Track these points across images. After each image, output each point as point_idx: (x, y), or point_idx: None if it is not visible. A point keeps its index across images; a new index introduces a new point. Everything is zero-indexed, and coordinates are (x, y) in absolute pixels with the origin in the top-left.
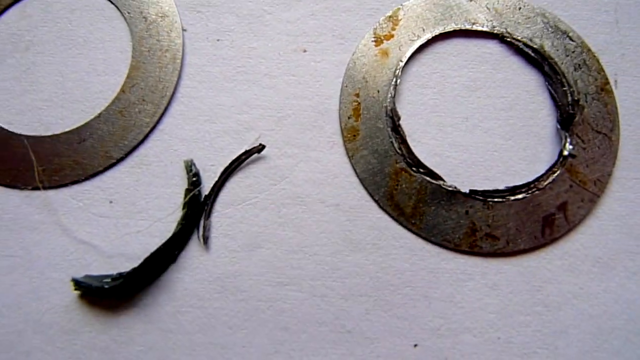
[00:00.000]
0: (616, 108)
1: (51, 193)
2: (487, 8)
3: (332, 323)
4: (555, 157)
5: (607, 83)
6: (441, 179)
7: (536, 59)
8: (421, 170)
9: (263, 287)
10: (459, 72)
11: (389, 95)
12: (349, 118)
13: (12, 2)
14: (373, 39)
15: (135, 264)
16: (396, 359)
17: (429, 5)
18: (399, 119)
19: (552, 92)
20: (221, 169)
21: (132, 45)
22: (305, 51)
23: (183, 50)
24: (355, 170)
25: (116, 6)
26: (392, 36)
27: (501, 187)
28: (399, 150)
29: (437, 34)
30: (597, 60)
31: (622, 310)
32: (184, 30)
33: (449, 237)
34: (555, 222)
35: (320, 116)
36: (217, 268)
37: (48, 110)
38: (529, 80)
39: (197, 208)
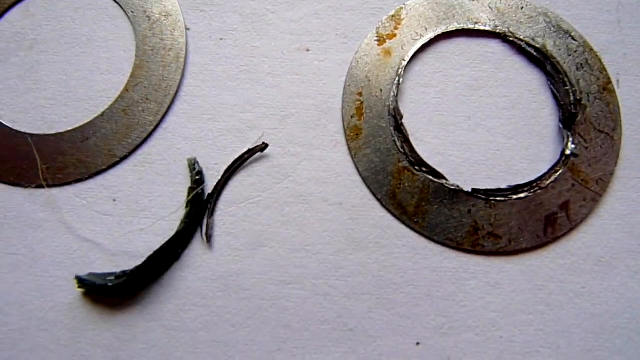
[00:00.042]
0: (618, 107)
1: (55, 191)
2: (490, 7)
3: (334, 321)
4: (558, 157)
5: (609, 82)
6: (444, 177)
7: (538, 59)
8: (424, 169)
9: (266, 285)
10: (462, 72)
11: (392, 94)
12: (351, 117)
13: (16, 1)
14: (376, 38)
15: (139, 262)
16: (399, 357)
17: (431, 4)
18: (401, 117)
19: (555, 91)
20: (224, 167)
21: (136, 44)
22: (308, 50)
23: (186, 49)
24: (358, 169)
25: (120, 5)
26: (395, 35)
27: (503, 186)
28: (401, 149)
29: (439, 33)
30: (599, 60)
31: (624, 309)
32: (187, 29)
33: (451, 236)
34: (558, 221)
35: (323, 115)
36: (220, 266)
37: (52, 108)
38: (531, 80)
39: (201, 206)
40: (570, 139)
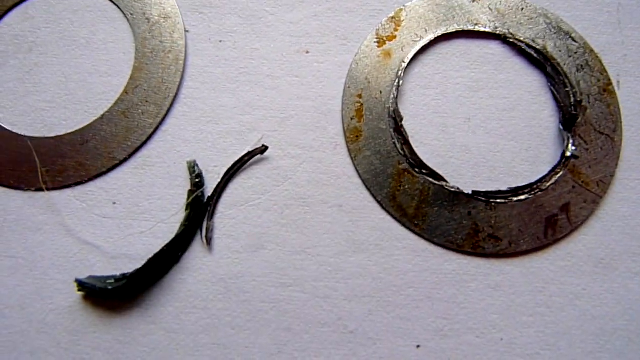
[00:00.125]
0: (619, 109)
1: (55, 194)
2: (490, 9)
3: (335, 324)
4: (558, 158)
5: (610, 84)
6: (444, 180)
7: (539, 60)
8: (424, 171)
9: (266, 288)
10: (462, 73)
11: (392, 96)
12: (351, 119)
13: (15, 4)
14: (375, 40)
15: (139, 265)
16: (399, 359)
17: (431, 6)
18: (401, 119)
19: (555, 93)
20: (224, 170)
21: (135, 46)
22: (308, 52)
23: (186, 51)
24: (358, 171)
25: (119, 7)
26: (395, 37)
27: (504, 188)
28: (401, 151)
29: (439, 34)
30: (600, 61)
31: (624, 311)
32: (186, 31)
33: (451, 238)
34: (558, 223)
35: (323, 117)
36: (220, 269)
37: (51, 111)
38: (532, 81)
39: (200, 209)
40: (571, 141)
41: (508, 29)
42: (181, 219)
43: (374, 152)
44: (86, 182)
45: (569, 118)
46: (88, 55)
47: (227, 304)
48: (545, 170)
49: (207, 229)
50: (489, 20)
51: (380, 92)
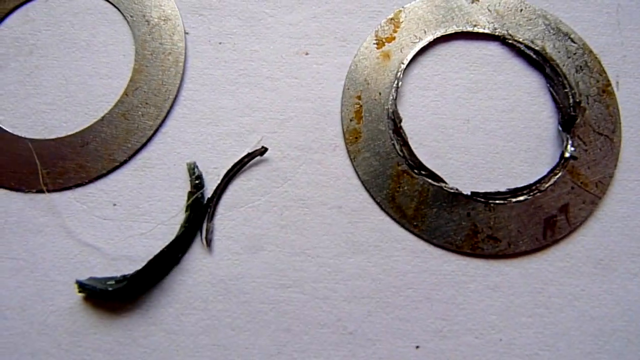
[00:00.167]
0: (618, 110)
1: (55, 196)
2: (489, 10)
3: (334, 325)
4: (557, 159)
5: (609, 85)
6: (443, 181)
7: (537, 61)
8: (423, 172)
9: (266, 289)
10: (461, 74)
11: (391, 97)
12: (350, 120)
13: (16, 6)
14: (375, 42)
15: (139, 267)
16: None
17: (430, 7)
18: (400, 121)
19: (554, 94)
20: (224, 171)
21: (135, 48)
22: (307, 54)
23: (185, 53)
24: (357, 172)
25: (119, 9)
26: (394, 38)
27: (503, 189)
28: (400, 153)
29: (438, 36)
30: (599, 62)
31: (623, 311)
32: (186, 33)
33: (450, 239)
34: (557, 224)
35: (322, 119)
36: (220, 270)
37: (52, 113)
38: (531, 82)
39: (200, 211)
40: (570, 142)
41: (507, 30)
42: (181, 221)
43: (373, 154)
44: (86, 183)
45: (568, 119)
46: (88, 57)
47: (227, 305)
48: (544, 171)
49: (207, 231)
50: (488, 22)
51: (380, 94)
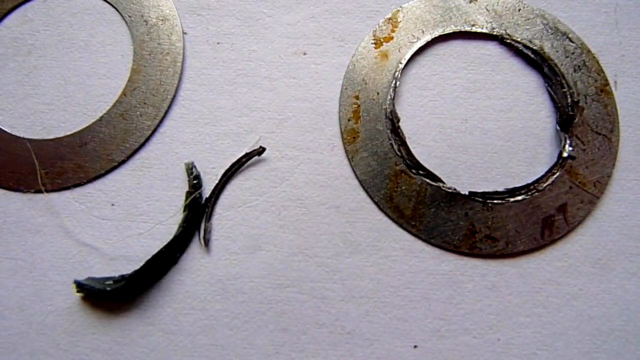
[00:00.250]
0: (616, 109)
1: (54, 196)
2: (487, 10)
3: (332, 325)
4: (555, 159)
5: (607, 84)
6: (441, 180)
7: (536, 61)
8: (421, 172)
9: (263, 289)
10: (459, 74)
11: (389, 97)
12: (348, 120)
13: (14, 6)
14: (373, 41)
15: (137, 266)
16: None
17: (428, 7)
18: (398, 120)
19: (552, 93)
20: (222, 171)
21: (133, 48)
22: (305, 54)
23: (184, 53)
24: (355, 172)
25: (117, 10)
26: (392, 38)
27: (501, 188)
28: (398, 152)
29: (436, 35)
30: (597, 62)
31: (621, 311)
32: (184, 33)
33: (448, 239)
34: (555, 223)
35: (320, 118)
36: (218, 270)
37: (50, 113)
38: (529, 82)
39: (198, 210)
40: (568, 141)
41: (505, 30)
42: (179, 221)
43: (371, 153)
44: (85, 183)
45: (566, 118)
46: (86, 57)
47: (225, 305)
48: (542, 170)
49: (205, 230)
50: (486, 21)
51: (377, 93)
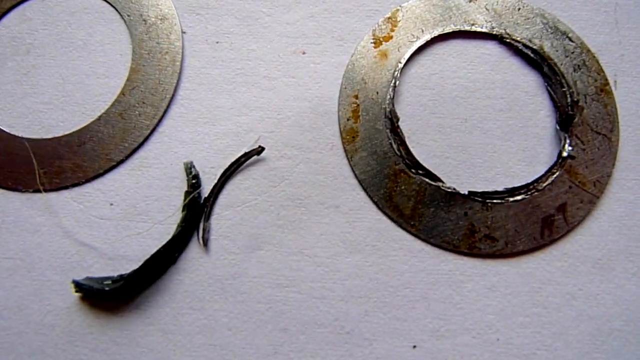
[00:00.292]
0: (616, 109)
1: (52, 195)
2: (486, 9)
3: (331, 324)
4: (555, 158)
5: (607, 84)
6: (440, 180)
7: (535, 60)
8: (420, 171)
9: (262, 288)
10: (458, 73)
11: (388, 96)
12: (348, 120)
13: (13, 6)
14: (372, 41)
15: (136, 266)
16: None
17: (427, 6)
18: (398, 120)
19: (552, 93)
20: (221, 171)
21: (132, 47)
22: (304, 53)
23: (182, 52)
24: (354, 171)
25: (116, 9)
26: (391, 37)
27: (500, 188)
28: (397, 152)
29: (436, 35)
30: (597, 61)
31: (621, 311)
32: (183, 32)
33: (448, 239)
34: (555, 223)
35: (320, 118)
36: (217, 270)
37: (49, 113)
38: (528, 81)
39: (197, 210)
40: (567, 141)
41: (505, 29)
42: (178, 220)
43: (370, 153)
44: (83, 183)
45: (566, 118)
46: (85, 56)
47: (224, 305)
48: (541, 170)
49: (204, 230)
50: (486, 21)
51: (377, 93)
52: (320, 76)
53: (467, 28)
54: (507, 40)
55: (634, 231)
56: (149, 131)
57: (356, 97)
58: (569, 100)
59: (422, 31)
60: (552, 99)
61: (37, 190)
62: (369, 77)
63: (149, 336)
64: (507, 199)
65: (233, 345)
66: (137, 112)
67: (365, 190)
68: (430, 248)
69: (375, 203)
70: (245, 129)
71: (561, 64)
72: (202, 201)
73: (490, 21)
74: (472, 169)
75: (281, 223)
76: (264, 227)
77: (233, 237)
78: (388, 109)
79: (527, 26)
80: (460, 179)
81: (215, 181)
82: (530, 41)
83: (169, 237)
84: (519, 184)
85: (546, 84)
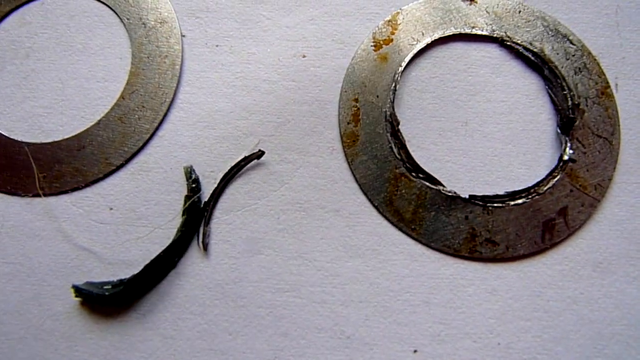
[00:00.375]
0: (617, 112)
1: (52, 200)
2: (487, 12)
3: (331, 329)
4: (556, 162)
5: (608, 87)
6: (440, 184)
7: (536, 63)
8: (420, 175)
9: (263, 293)
10: (459, 77)
11: (388, 100)
12: (348, 123)
13: (12, 9)
14: (372, 44)
15: (136, 271)
16: None
17: (428, 9)
18: (398, 123)
19: (552, 96)
20: (221, 175)
21: (132, 51)
22: (304, 56)
23: (182, 56)
24: (354, 175)
25: (115, 12)
26: (392, 41)
27: (501, 192)
28: (398, 156)
29: (436, 38)
30: (598, 64)
31: (622, 315)
32: (183, 36)
33: (448, 243)
34: (556, 227)
35: (320, 121)
36: (217, 274)
37: (48, 117)
38: (529, 84)
39: (197, 214)
40: (568, 144)
41: (505, 32)
42: (178, 225)
43: (370, 157)
44: (83, 187)
45: (567, 121)
46: (85, 60)
47: (224, 309)
48: (542, 174)
49: (204, 234)
50: (486, 23)
51: (377, 96)
52: (320, 79)
53: (468, 31)
54: (508, 43)
55: (635, 235)
56: (148, 135)
57: (356, 100)
58: (569, 103)
59: (423, 34)
60: (552, 102)
61: (37, 195)
62: (369, 80)
63: (149, 341)
64: (507, 202)
65: (233, 350)
66: (136, 116)
67: (365, 194)
68: (431, 252)
69: (375, 207)
70: (245, 132)
71: (562, 67)
72: (202, 205)
73: (490, 24)
74: (472, 173)
75: (281, 227)
76: (264, 231)
77: (233, 242)
78: (388, 113)
79: (528, 29)
80: (460, 182)
81: (216, 185)
82: (530, 44)
83: (169, 241)
84: (519, 188)
85: (547, 87)
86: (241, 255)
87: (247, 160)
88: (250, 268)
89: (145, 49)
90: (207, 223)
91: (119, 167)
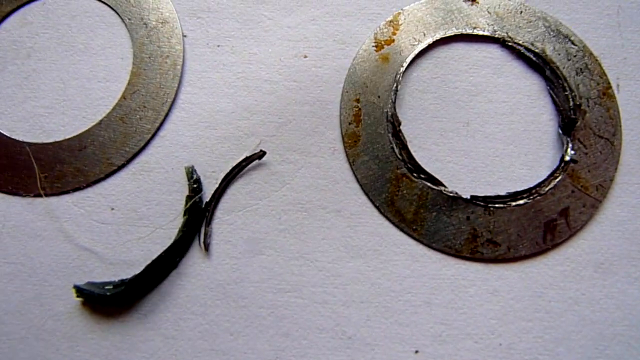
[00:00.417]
0: (618, 112)
1: (53, 200)
2: (488, 12)
3: (332, 329)
4: (557, 163)
5: (609, 87)
6: (442, 184)
7: (537, 64)
8: (422, 175)
9: (264, 293)
10: (460, 77)
11: (390, 100)
12: (349, 124)
13: (13, 9)
14: (374, 44)
15: (137, 271)
16: None
17: (429, 9)
18: (399, 124)
19: (554, 96)
20: (222, 175)
21: (133, 51)
22: (305, 57)
23: (183, 56)
24: (356, 176)
25: (117, 12)
26: (393, 41)
27: (502, 192)
28: (399, 156)
29: (437, 38)
30: (599, 64)
31: (624, 316)
32: (184, 36)
33: (450, 243)
34: (557, 227)
35: (321, 122)
36: (219, 274)
37: (49, 117)
38: (531, 85)
39: (198, 215)
40: (570, 145)
41: (507, 32)
42: (179, 225)
43: (372, 157)
44: (84, 187)
45: (568, 122)
46: (86, 60)
47: (225, 310)
48: (544, 174)
49: (205, 235)
50: (488, 24)
51: (379, 97)
52: (321, 80)
53: (469, 31)
54: (509, 44)
55: (636, 235)
56: (150, 135)
57: (358, 100)
58: (571, 104)
59: (424, 34)
60: (554, 102)
61: (38, 195)
62: (371, 80)
63: (150, 341)
64: (509, 203)
65: (235, 350)
66: (138, 116)
67: (367, 194)
68: (433, 253)
69: (377, 207)
70: (247, 133)
71: (563, 68)
72: (203, 206)
73: (492, 24)
74: (474, 173)
75: (283, 227)
76: (266, 231)
77: (234, 242)
78: (390, 113)
79: (529, 29)
80: (462, 183)
81: (217, 185)
82: (532, 44)
83: (171, 241)
84: (521, 188)
85: (548, 87)
86: (242, 255)
87: (248, 160)
88: (251, 268)
89: (146, 49)
90: (209, 223)
91: (121, 167)
